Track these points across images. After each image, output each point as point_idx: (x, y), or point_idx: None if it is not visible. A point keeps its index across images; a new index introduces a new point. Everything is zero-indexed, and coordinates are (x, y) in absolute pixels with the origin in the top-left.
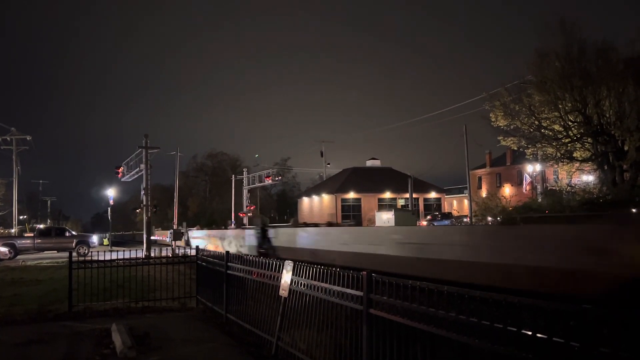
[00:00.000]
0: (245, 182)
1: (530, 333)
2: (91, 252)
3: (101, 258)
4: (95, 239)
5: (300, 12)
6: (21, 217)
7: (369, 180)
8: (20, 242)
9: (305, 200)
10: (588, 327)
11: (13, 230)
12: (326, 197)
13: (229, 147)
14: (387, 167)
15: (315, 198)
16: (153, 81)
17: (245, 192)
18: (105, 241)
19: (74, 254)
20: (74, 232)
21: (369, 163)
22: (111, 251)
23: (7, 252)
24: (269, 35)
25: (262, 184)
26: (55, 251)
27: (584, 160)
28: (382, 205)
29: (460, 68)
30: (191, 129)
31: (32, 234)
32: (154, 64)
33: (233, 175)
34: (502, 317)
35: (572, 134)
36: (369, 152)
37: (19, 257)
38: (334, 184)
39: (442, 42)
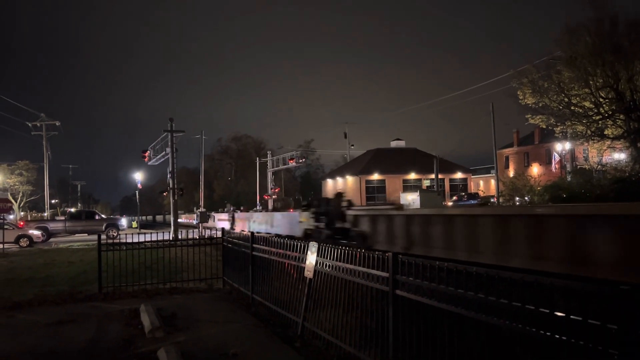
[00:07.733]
0: (269, 164)
1: (563, 315)
2: (120, 234)
3: (129, 240)
4: (124, 221)
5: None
6: (53, 201)
7: (394, 161)
8: (52, 226)
9: (329, 182)
10: (623, 309)
11: (45, 214)
12: (350, 179)
13: (252, 130)
14: (411, 147)
15: (339, 180)
16: (178, 65)
17: (269, 174)
18: (134, 224)
19: (104, 236)
20: (103, 216)
21: (394, 144)
22: (139, 234)
23: (40, 235)
24: (293, 23)
25: (286, 166)
26: (86, 234)
27: (615, 138)
28: (407, 187)
29: (486, 47)
30: (215, 113)
31: (63, 218)
32: (180, 47)
33: (257, 158)
34: (534, 298)
35: (603, 111)
36: (393, 133)
37: (51, 239)
38: (358, 166)
39: (467, 21)
